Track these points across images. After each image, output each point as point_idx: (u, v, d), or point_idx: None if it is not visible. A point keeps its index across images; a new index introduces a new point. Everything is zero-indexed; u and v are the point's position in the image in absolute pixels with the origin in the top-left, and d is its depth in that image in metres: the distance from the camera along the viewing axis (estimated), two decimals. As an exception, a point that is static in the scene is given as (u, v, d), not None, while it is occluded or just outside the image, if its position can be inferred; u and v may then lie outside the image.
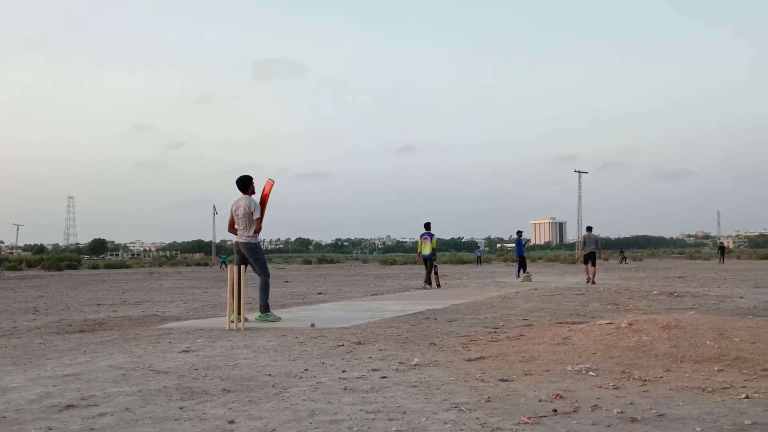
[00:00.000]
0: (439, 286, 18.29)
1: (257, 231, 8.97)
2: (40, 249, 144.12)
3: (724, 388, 4.11)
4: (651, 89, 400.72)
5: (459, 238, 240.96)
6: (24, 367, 5.46)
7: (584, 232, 21.18)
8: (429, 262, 18.28)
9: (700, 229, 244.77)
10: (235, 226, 9.01)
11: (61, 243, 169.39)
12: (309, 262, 75.54)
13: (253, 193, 9.10)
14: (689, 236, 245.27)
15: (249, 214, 8.90)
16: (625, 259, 55.42)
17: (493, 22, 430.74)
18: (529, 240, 22.51)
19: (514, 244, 24.50)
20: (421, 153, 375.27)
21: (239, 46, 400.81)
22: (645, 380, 4.38)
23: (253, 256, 8.99)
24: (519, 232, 23.96)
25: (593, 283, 18.63)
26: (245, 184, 9.09)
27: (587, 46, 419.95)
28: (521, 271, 22.44)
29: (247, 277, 8.69)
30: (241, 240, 8.93)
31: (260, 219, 8.93)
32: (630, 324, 5.86)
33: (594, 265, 19.54)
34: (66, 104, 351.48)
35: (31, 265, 62.15)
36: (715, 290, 14.80)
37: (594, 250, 19.83)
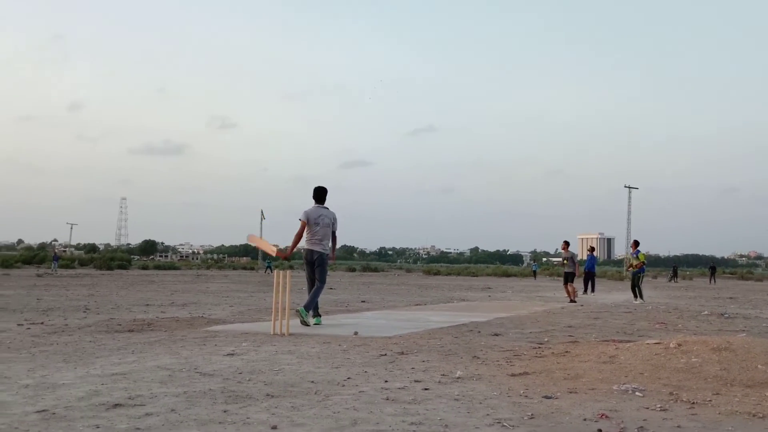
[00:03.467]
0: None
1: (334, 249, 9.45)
2: (92, 248, 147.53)
3: (776, 414, 4.00)
4: (708, 112, 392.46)
5: (504, 250, 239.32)
6: (74, 364, 5.59)
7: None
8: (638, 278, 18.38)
9: (753, 249, 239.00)
10: (312, 236, 9.23)
11: (113, 243, 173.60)
12: (353, 270, 75.71)
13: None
14: (741, 256, 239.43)
15: (330, 228, 9.28)
16: (675, 277, 53.76)
17: (540, 40, 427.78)
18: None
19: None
20: (469, 167, 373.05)
21: (270, 62, 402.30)
22: (693, 403, 4.29)
23: (323, 267, 9.34)
24: (591, 248, 24.48)
25: (574, 301, 17.58)
26: (324, 194, 9.41)
27: (647, 67, 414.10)
28: (589, 287, 22.61)
29: (293, 282, 8.78)
30: (318, 249, 9.25)
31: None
32: (679, 344, 5.75)
33: (573, 282, 18.42)
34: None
35: (83, 263, 63.73)
36: (767, 312, 14.40)
37: (573, 270, 18.67)
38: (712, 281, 48.46)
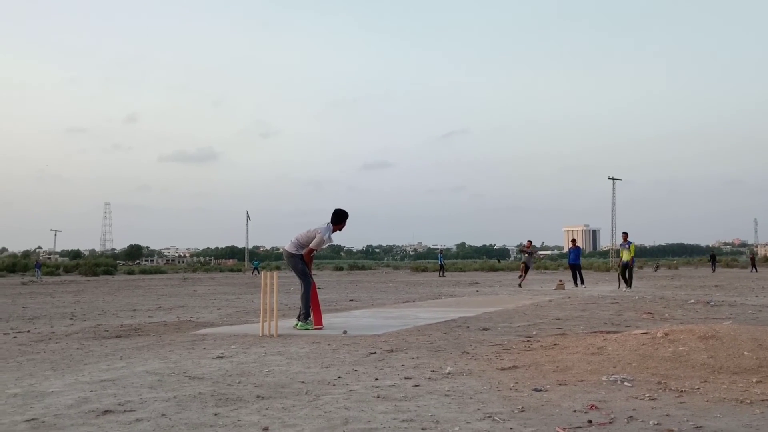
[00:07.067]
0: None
1: (306, 254, 8.97)
2: (76, 254, 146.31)
3: (762, 400, 4.04)
4: (689, 104, 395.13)
5: (491, 245, 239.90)
6: (62, 372, 5.56)
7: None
8: (629, 269, 20.39)
9: (737, 236, 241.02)
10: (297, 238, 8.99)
11: (98, 248, 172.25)
12: (340, 269, 75.66)
13: (339, 230, 9.04)
14: (726, 244, 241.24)
15: (309, 237, 8.85)
16: (658, 267, 55.12)
17: (514, 32, 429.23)
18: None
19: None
20: (454, 158, 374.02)
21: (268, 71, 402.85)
22: (681, 391, 4.32)
23: (295, 266, 9.00)
24: (573, 241, 25.01)
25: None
26: (340, 217, 8.98)
27: (628, 60, 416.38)
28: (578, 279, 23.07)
29: (281, 283, 8.73)
30: (290, 249, 8.96)
31: (311, 250, 8.91)
32: (666, 334, 5.79)
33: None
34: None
35: (68, 270, 63.23)
36: (752, 299, 14.54)
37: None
38: (713, 269, 49.71)
